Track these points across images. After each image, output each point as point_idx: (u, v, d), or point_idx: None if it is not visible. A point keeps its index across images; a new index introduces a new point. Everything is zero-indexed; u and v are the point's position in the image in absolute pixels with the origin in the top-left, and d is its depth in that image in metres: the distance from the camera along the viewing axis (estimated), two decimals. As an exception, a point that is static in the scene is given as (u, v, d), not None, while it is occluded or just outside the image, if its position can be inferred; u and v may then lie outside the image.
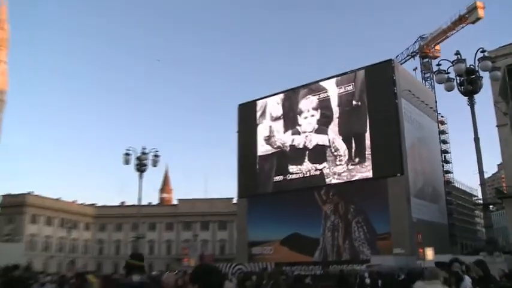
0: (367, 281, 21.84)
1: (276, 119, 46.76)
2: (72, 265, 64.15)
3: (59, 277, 33.72)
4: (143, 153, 28.27)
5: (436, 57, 53.63)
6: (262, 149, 47.10)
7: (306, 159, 43.23)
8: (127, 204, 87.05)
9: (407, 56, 59.01)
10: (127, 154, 28.24)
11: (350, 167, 40.45)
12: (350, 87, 42.12)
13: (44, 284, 10.85)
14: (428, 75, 57.54)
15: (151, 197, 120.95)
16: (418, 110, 42.93)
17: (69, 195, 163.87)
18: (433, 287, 6.19)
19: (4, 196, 77.26)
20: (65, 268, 68.49)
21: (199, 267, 3.67)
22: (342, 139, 41.38)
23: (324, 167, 41.89)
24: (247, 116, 49.01)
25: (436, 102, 50.29)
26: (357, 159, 40.13)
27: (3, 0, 60.42)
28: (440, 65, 16.10)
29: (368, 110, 40.45)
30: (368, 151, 39.52)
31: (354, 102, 41.57)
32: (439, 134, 50.24)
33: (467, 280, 8.86)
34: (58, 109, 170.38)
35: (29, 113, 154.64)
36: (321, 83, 44.47)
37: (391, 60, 41.85)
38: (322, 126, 42.93)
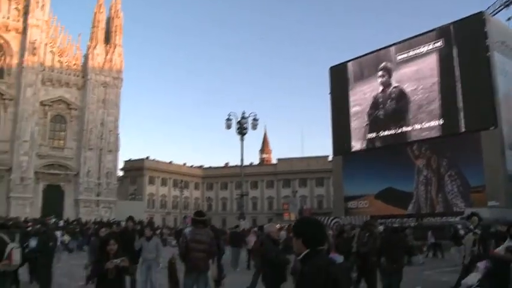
0: (461, 232, 21.21)
1: (367, 79, 45.69)
2: (186, 220, 67.88)
3: (176, 230, 35.94)
4: (243, 117, 29.02)
5: (533, 3, 48.46)
6: (354, 109, 46.42)
7: (399, 119, 42.06)
8: (230, 165, 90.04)
9: (499, 6, 54.08)
10: (228, 119, 29.20)
11: (441, 122, 38.87)
12: (439, 43, 40.00)
13: (150, 237, 11.06)
14: (525, 23, 52.52)
15: (252, 157, 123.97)
16: (513, 61, 39.68)
17: (179, 158, 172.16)
18: None
19: (126, 161, 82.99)
20: (180, 223, 72.81)
21: (302, 221, 3.48)
22: (434, 96, 39.63)
23: (415, 127, 40.57)
24: (339, 78, 48.32)
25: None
26: (448, 116, 38.36)
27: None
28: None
29: (458, 65, 38.26)
30: (460, 106, 37.60)
31: (444, 58, 39.47)
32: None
33: None
34: (168, 81, 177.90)
35: (142, 86, 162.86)
36: (411, 41, 42.52)
37: (481, 12, 38.88)
38: (414, 86, 41.30)
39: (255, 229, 23.30)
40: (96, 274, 6.49)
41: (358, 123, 45.88)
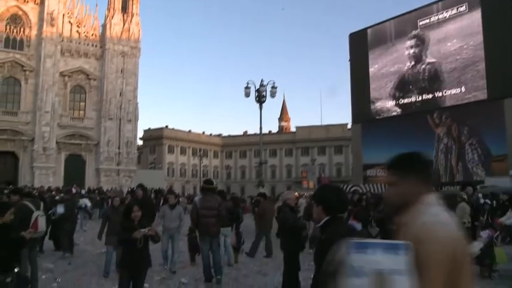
0: (482, 201, 21.08)
1: (388, 46, 44.84)
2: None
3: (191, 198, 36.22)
4: (262, 85, 28.90)
5: None
6: (374, 76, 45.78)
7: (420, 86, 41.32)
8: (249, 133, 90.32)
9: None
10: (247, 87, 29.08)
11: (463, 89, 38.09)
12: (463, 8, 38.83)
13: (174, 205, 10.81)
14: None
15: (271, 125, 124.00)
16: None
17: (198, 127, 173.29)
18: None
19: (145, 131, 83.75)
20: (199, 191, 73.57)
21: (323, 189, 3.46)
22: (457, 63, 38.70)
23: (438, 94, 39.78)
24: (359, 45, 47.48)
25: None
26: (471, 83, 37.49)
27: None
28: None
29: (483, 30, 37.09)
30: (484, 73, 36.61)
31: (468, 23, 38.36)
32: None
33: None
34: (186, 50, 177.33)
35: (160, 55, 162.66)
36: (433, 6, 41.35)
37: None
38: (436, 52, 40.38)
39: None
40: (124, 243, 6.54)
41: (378, 91, 45.34)
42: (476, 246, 9.85)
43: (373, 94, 45.63)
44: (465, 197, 13.17)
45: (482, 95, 36.60)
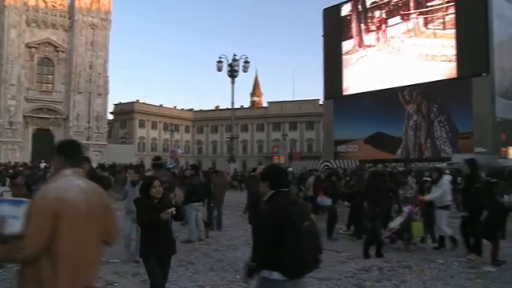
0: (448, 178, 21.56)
1: (361, 22, 44.97)
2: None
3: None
4: (234, 60, 28.85)
5: None
6: (347, 52, 45.95)
7: (391, 64, 41.61)
8: (221, 108, 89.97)
9: None
10: (219, 62, 28.95)
11: (435, 64, 38.44)
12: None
13: (137, 182, 8.91)
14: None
15: (243, 100, 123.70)
16: (513, 5, 38.49)
17: (169, 101, 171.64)
18: None
19: (116, 105, 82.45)
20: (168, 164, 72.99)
21: (269, 167, 3.92)
22: (428, 39, 39.10)
23: (408, 71, 40.07)
24: (333, 20, 47.50)
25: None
26: (442, 61, 37.99)
27: None
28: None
29: (454, 8, 37.49)
30: (453, 51, 37.18)
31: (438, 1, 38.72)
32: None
33: (446, 178, 10.68)
34: (157, 24, 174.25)
35: (131, 29, 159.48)
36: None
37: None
38: (408, 28, 40.69)
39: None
40: (147, 226, 5.48)
41: (350, 67, 45.61)
42: (398, 221, 10.41)
43: (345, 70, 45.90)
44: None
45: (452, 73, 37.27)
